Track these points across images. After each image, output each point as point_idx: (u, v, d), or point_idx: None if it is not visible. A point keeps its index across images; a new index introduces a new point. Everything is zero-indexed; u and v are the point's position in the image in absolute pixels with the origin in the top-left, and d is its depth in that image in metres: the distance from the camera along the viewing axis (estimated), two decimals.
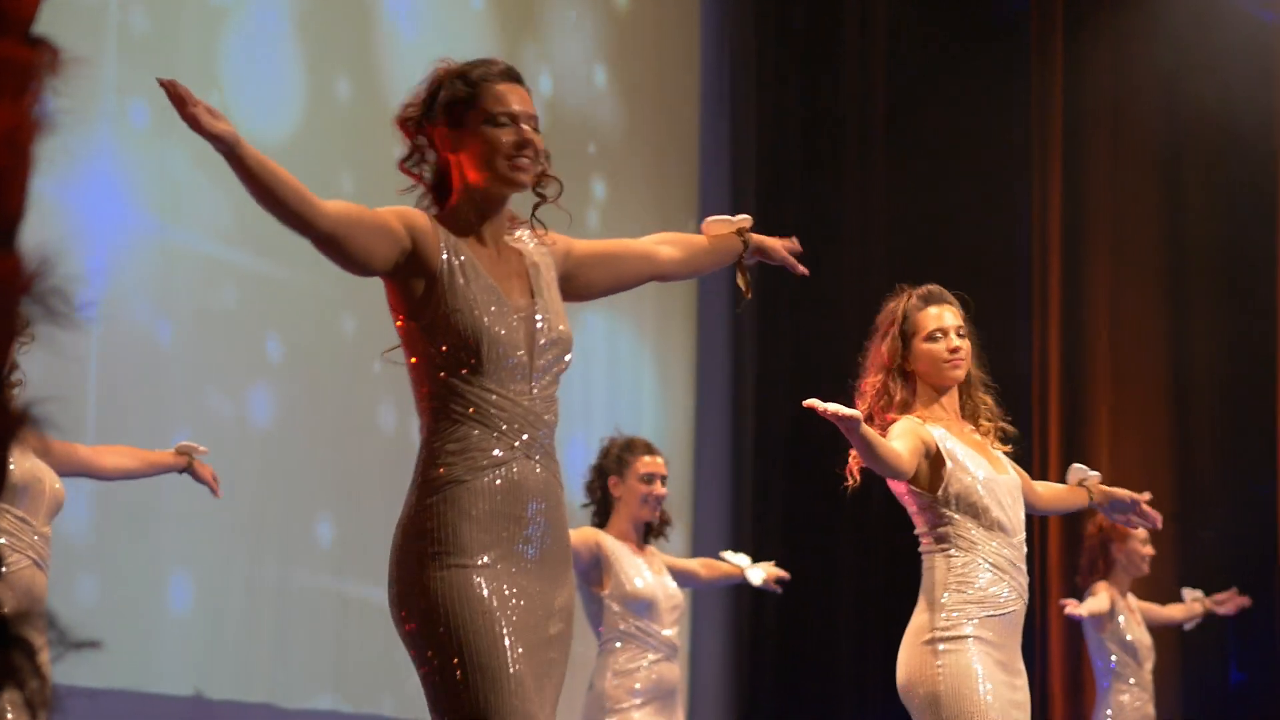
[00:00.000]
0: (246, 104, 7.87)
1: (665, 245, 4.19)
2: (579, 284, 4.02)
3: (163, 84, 3.38)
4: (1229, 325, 10.76)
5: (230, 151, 3.44)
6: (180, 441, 5.93)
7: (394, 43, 8.69)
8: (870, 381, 5.18)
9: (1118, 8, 10.89)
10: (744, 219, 4.35)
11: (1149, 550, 8.64)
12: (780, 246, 4.43)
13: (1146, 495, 5.51)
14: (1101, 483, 5.49)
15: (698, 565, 7.33)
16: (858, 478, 5.12)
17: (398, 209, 3.77)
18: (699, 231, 4.34)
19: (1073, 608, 8.27)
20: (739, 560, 7.27)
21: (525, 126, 3.83)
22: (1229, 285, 10.81)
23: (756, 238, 4.36)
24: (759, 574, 7.21)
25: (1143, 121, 10.88)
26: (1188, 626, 9.21)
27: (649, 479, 6.81)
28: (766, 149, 10.79)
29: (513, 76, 3.88)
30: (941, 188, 10.84)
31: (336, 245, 3.64)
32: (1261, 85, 10.55)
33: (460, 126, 3.82)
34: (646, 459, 6.83)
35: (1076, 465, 5.55)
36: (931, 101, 11.04)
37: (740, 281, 4.33)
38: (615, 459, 6.83)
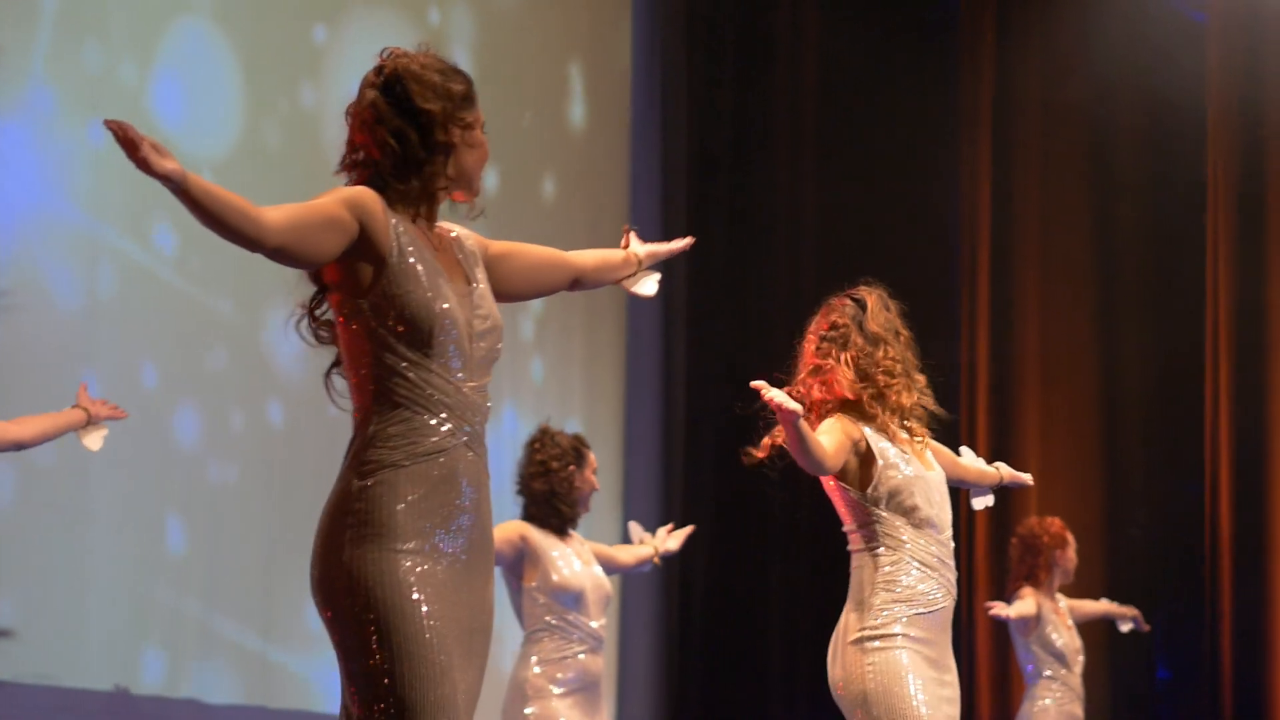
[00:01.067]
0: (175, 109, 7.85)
1: (578, 254, 4.24)
2: (495, 282, 3.98)
3: (110, 126, 3.33)
4: (1158, 327, 10.81)
5: (178, 188, 3.40)
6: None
7: (333, 67, 8.66)
8: (812, 376, 5.16)
9: (1048, 8, 10.90)
10: (629, 234, 4.46)
11: (1073, 560, 8.71)
12: (670, 245, 4.50)
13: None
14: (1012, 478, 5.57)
15: (617, 551, 7.31)
16: (759, 457, 5.15)
17: (346, 195, 3.71)
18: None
19: (998, 610, 8.28)
20: (648, 538, 7.25)
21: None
22: (1158, 287, 10.86)
23: (649, 248, 4.44)
24: (673, 543, 7.20)
25: (1073, 121, 10.91)
26: (1123, 628, 9.23)
27: (595, 473, 6.84)
28: (697, 151, 10.77)
29: None
30: (872, 188, 10.85)
31: (286, 255, 3.60)
32: (1193, 86, 10.59)
33: (454, 123, 3.83)
34: (591, 454, 6.86)
35: (965, 449, 5.56)
36: (862, 102, 11.03)
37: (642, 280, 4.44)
38: (573, 451, 6.80)
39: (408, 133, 3.81)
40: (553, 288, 4.20)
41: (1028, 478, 5.59)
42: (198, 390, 8.06)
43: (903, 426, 5.14)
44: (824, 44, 11.04)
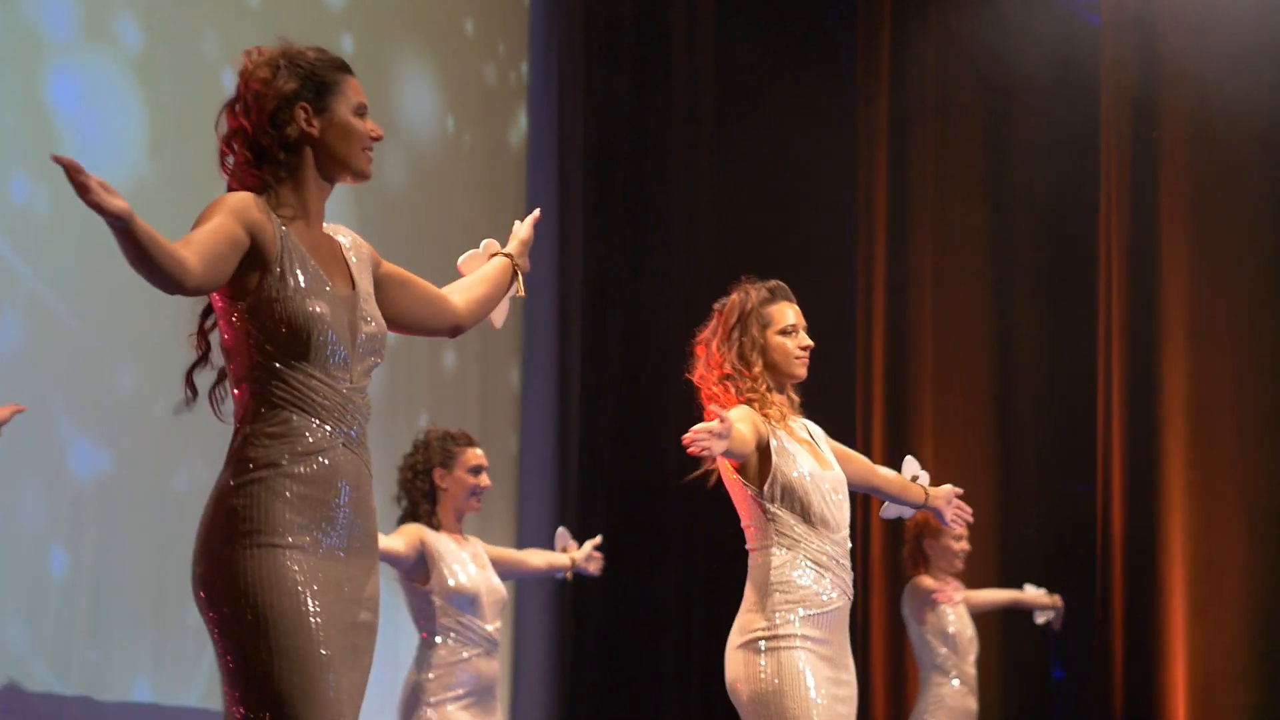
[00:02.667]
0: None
1: (453, 294, 4.17)
2: (381, 303, 3.96)
3: (61, 162, 3.29)
4: (1052, 326, 10.88)
5: (125, 227, 3.37)
6: None
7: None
8: (713, 371, 5.15)
9: (945, 7, 10.94)
10: (490, 243, 4.35)
11: (963, 546, 8.70)
12: (527, 227, 4.41)
13: (960, 490, 5.56)
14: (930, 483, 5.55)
15: (529, 555, 7.29)
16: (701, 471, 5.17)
17: (234, 207, 3.69)
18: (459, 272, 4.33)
19: (944, 597, 8.40)
20: (572, 547, 7.27)
21: (373, 121, 3.91)
22: (1052, 287, 10.93)
23: (515, 246, 4.35)
24: (593, 566, 7.22)
25: (968, 122, 10.97)
26: (1040, 619, 9.27)
27: (476, 470, 6.79)
28: (594, 148, 10.74)
29: (352, 70, 3.93)
30: (769, 182, 10.86)
31: (201, 291, 3.62)
32: (1087, 87, 10.66)
33: (324, 110, 3.82)
34: (471, 451, 6.81)
35: (910, 458, 5.59)
36: (760, 98, 11.04)
37: (516, 288, 4.33)
38: (440, 450, 6.77)
39: (265, 132, 3.80)
40: (431, 328, 4.14)
41: (961, 524, 5.57)
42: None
43: (783, 419, 5.13)
44: (721, 37, 11.03)
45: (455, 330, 4.16)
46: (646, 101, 10.92)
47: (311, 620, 3.62)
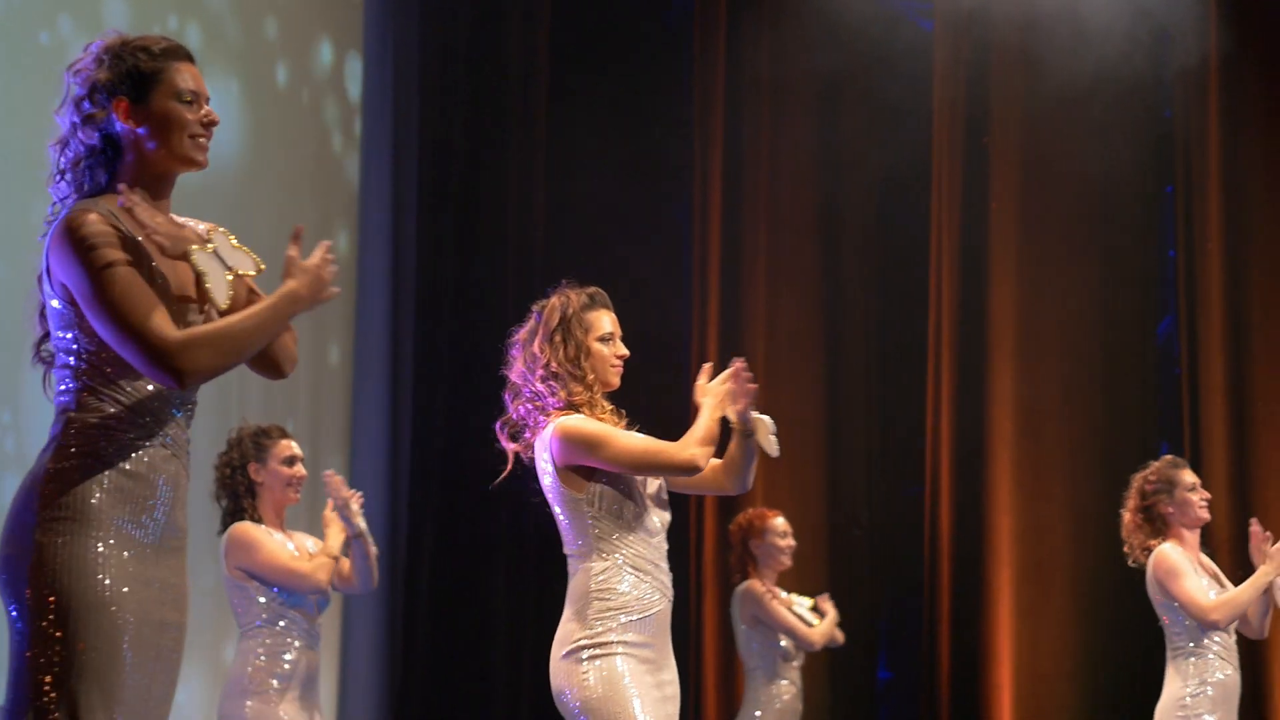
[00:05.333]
0: None
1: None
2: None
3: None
4: (881, 328, 10.97)
5: None
6: None
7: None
8: (535, 370, 5.13)
9: (780, 10, 10.96)
10: (234, 270, 3.92)
11: (789, 544, 8.73)
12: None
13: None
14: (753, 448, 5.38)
15: (343, 562, 7.18)
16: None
17: (100, 238, 3.64)
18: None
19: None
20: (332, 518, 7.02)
21: (208, 107, 3.85)
22: (883, 290, 11.01)
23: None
24: (359, 519, 6.93)
25: (802, 123, 10.97)
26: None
27: (290, 462, 6.76)
28: (429, 142, 10.67)
29: (191, 56, 3.87)
30: (604, 182, 10.83)
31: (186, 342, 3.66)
32: (919, 92, 10.75)
33: (144, 101, 3.77)
34: (284, 442, 6.77)
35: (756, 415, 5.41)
36: (594, 89, 11.00)
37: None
38: (253, 445, 6.74)
39: (89, 135, 3.75)
40: (270, 357, 3.95)
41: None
42: None
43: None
44: (555, 37, 10.99)
45: (276, 371, 3.97)
46: (481, 98, 10.85)
47: (116, 613, 3.59)
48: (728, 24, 10.95)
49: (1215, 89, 10.25)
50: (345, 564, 6.82)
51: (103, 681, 3.55)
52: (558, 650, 5.01)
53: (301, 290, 3.76)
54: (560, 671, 4.98)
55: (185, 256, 3.75)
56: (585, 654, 4.94)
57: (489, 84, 10.84)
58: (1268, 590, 7.06)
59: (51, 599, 3.55)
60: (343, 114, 10.35)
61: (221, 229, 3.90)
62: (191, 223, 3.89)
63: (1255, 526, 7.18)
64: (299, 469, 6.79)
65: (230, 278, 3.82)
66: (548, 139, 10.85)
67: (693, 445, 5.01)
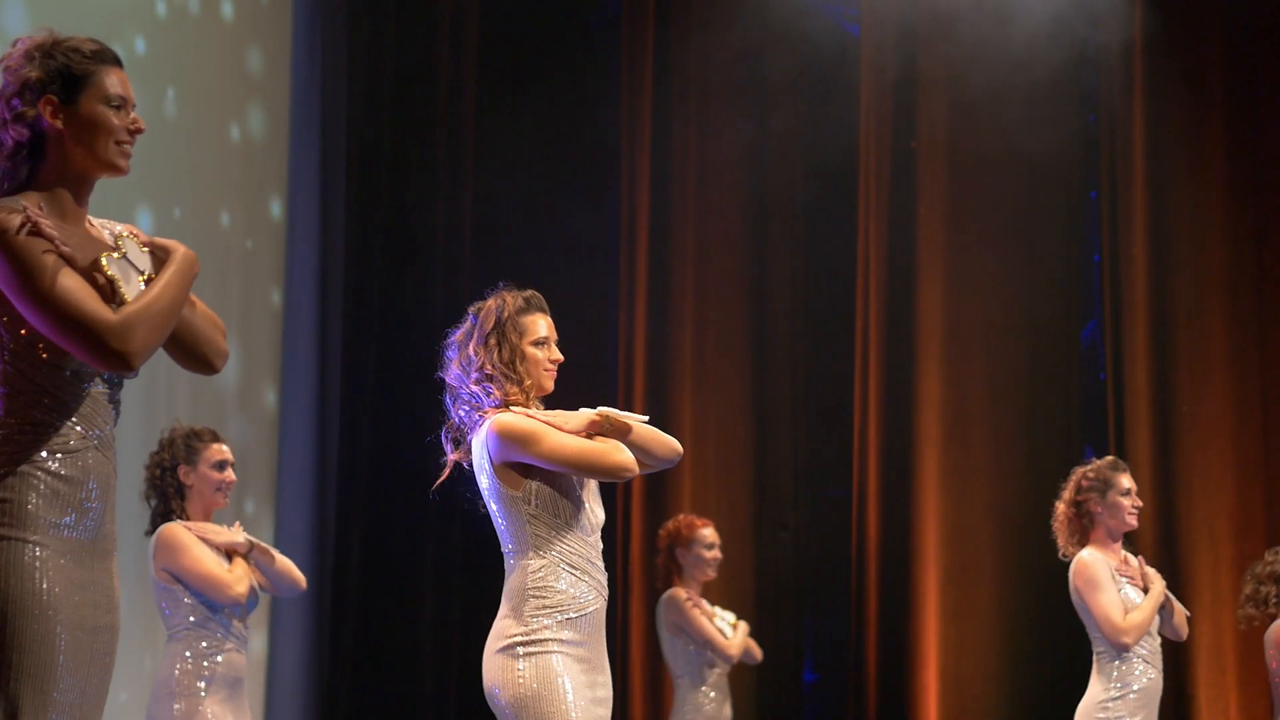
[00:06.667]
0: None
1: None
2: None
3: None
4: (809, 330, 10.99)
5: None
6: None
7: None
8: (471, 372, 5.14)
9: (707, 14, 10.99)
10: (145, 274, 3.92)
11: (715, 555, 8.76)
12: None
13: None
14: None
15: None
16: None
17: (40, 244, 3.63)
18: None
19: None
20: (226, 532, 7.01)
21: (135, 113, 3.85)
22: (810, 293, 11.04)
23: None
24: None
25: (731, 127, 10.99)
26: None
27: (220, 466, 6.73)
28: (356, 152, 10.65)
29: (120, 61, 3.87)
30: (532, 183, 10.83)
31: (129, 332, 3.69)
32: (847, 95, 10.79)
33: (72, 103, 3.77)
34: (215, 446, 6.75)
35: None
36: (523, 98, 11.01)
37: None
38: (184, 447, 6.70)
39: (19, 131, 3.75)
40: (195, 352, 3.97)
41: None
42: None
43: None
44: (484, 44, 11.00)
45: (208, 364, 3.99)
46: (409, 109, 10.84)
47: (55, 622, 3.59)
48: (655, 30, 10.96)
49: (1140, 96, 10.32)
50: (259, 574, 6.81)
51: (38, 685, 3.54)
52: (492, 646, 5.01)
53: (193, 253, 3.88)
54: (494, 667, 4.98)
55: (95, 265, 3.74)
56: (521, 650, 4.95)
57: (417, 93, 10.83)
58: (1165, 605, 7.11)
59: None
60: (271, 122, 10.32)
61: (129, 233, 3.90)
62: (109, 225, 3.88)
63: (1133, 561, 7.18)
64: (229, 474, 6.77)
65: (142, 282, 3.82)
66: (475, 146, 10.85)
67: (626, 449, 5.04)
